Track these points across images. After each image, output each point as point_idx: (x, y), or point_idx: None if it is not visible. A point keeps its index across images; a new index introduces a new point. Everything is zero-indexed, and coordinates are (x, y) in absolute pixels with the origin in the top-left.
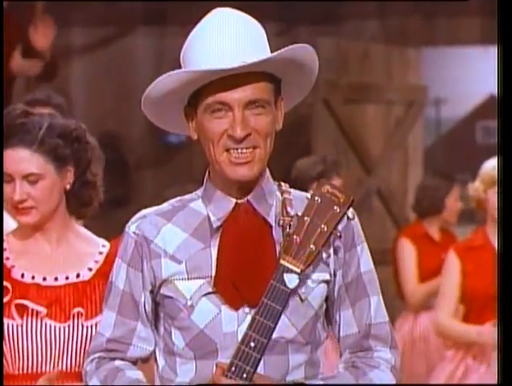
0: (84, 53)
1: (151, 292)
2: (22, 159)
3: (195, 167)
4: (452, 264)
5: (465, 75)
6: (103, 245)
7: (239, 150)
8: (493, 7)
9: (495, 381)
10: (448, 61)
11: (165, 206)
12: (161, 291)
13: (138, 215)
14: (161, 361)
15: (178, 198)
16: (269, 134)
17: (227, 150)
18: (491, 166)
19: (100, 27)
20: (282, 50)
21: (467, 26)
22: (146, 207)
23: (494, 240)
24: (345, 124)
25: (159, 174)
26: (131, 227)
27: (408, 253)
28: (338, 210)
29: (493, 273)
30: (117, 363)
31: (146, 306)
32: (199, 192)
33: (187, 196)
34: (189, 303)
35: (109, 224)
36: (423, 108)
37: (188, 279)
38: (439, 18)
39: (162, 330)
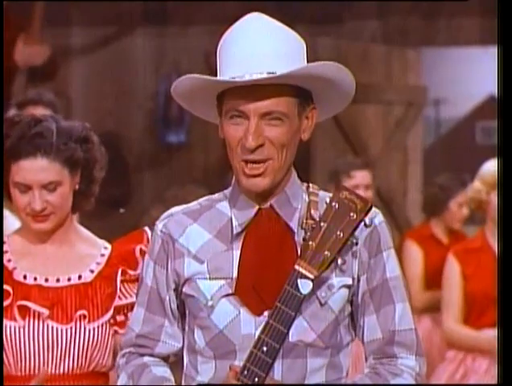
0: (84, 53)
1: (175, 290)
2: (42, 168)
3: (194, 168)
4: (452, 267)
5: (465, 76)
6: (105, 247)
7: (252, 160)
8: (493, 7)
9: (495, 382)
10: (448, 62)
11: (193, 204)
12: (184, 290)
13: (166, 213)
14: (185, 359)
15: (207, 197)
16: (285, 146)
17: (243, 161)
18: (494, 167)
19: (100, 27)
20: (302, 66)
21: (467, 27)
22: (145, 207)
23: (494, 242)
24: (345, 124)
25: (159, 175)
26: (159, 225)
27: (414, 256)
28: (355, 216)
29: (493, 275)
30: (146, 359)
31: (172, 304)
32: (227, 192)
33: (216, 196)
34: (209, 303)
35: (108, 224)
36: (423, 109)
37: (210, 279)
38: (438, 19)
39: (186, 327)
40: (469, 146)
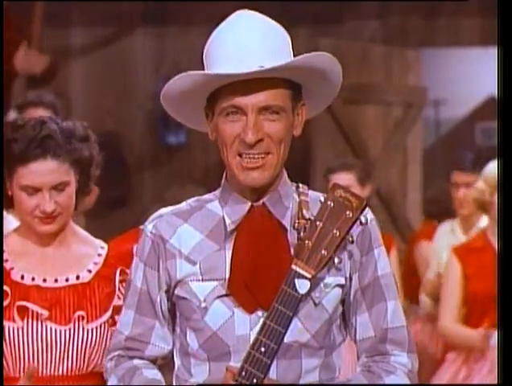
0: (83, 53)
1: (167, 292)
2: (51, 170)
3: (194, 168)
4: (453, 266)
5: (465, 77)
6: (101, 247)
7: (251, 156)
8: (493, 7)
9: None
10: (448, 62)
11: (183, 205)
12: (175, 292)
13: (155, 214)
14: (177, 361)
15: (196, 197)
16: (282, 140)
17: (239, 155)
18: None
19: (100, 27)
20: (298, 57)
21: (467, 27)
22: (145, 207)
23: (495, 242)
24: (345, 125)
25: (159, 175)
26: (148, 226)
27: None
28: (351, 215)
29: (494, 274)
30: (136, 361)
31: (162, 306)
32: (217, 192)
33: (206, 196)
34: (203, 305)
35: (108, 225)
36: (423, 109)
37: (202, 281)
38: (438, 19)
39: (178, 330)
40: (469, 147)
